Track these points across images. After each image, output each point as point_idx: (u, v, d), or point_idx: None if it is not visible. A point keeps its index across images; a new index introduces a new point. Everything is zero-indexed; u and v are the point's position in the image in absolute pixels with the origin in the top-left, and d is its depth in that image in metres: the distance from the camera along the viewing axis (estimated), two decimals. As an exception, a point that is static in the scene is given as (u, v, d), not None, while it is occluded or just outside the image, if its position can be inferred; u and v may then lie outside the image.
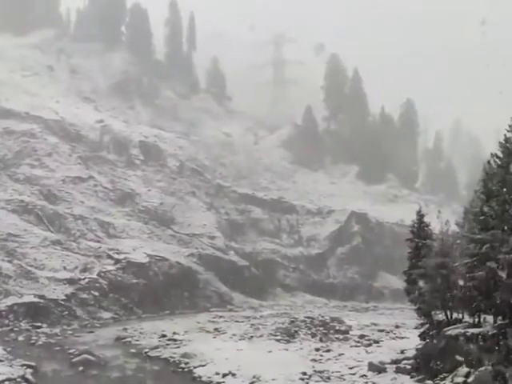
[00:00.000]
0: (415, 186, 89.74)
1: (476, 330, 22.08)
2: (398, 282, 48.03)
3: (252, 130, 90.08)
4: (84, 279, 46.73)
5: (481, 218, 22.33)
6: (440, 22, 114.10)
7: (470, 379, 20.24)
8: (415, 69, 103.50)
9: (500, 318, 22.21)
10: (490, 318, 23.24)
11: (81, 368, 28.53)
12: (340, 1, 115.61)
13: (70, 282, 45.78)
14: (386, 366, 26.71)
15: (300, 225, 71.11)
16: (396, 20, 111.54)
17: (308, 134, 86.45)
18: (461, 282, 23.57)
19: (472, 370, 20.58)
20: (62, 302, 43.58)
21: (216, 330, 39.32)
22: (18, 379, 24.91)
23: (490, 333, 21.24)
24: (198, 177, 69.64)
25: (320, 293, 63.85)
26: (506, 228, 21.38)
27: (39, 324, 39.95)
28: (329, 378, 25.91)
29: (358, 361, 28.56)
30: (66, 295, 44.32)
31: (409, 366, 25.46)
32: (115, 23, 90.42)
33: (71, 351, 31.58)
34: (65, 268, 47.14)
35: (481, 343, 21.25)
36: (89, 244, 51.52)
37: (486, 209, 22.20)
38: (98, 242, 52.65)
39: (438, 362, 23.19)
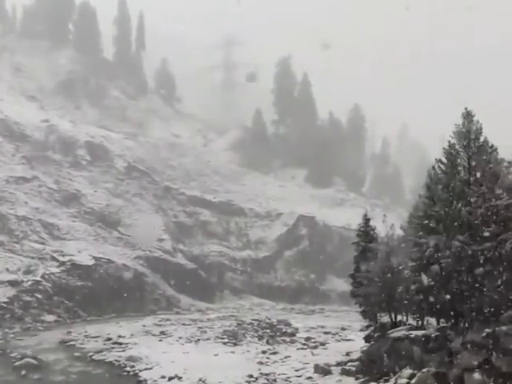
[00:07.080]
0: (362, 190, 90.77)
1: (419, 333, 22.48)
2: (345, 285, 48.56)
3: (201, 133, 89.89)
4: (27, 281, 45.73)
5: (425, 222, 22.77)
6: (388, 27, 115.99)
7: (413, 381, 20.55)
8: (363, 74, 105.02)
9: (442, 320, 22.69)
10: (432, 321, 23.73)
11: (23, 372, 27.98)
12: (289, 5, 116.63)
13: (13, 284, 44.75)
14: (332, 368, 27.04)
15: (248, 228, 71.22)
16: (345, 24, 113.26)
17: (257, 137, 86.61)
18: (405, 285, 23.95)
19: (415, 372, 20.92)
20: (4, 305, 42.60)
21: (162, 333, 39.08)
22: (-43, 384, 24.25)
23: (433, 335, 21.65)
24: (145, 178, 68.95)
25: (268, 295, 64.15)
26: (449, 232, 21.82)
27: (-20, 327, 38.99)
28: (275, 380, 26.04)
29: (304, 363, 28.84)
30: (9, 297, 43.34)
31: (354, 368, 25.82)
32: (62, 21, 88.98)
33: (13, 355, 31.00)
34: (7, 270, 46.05)
35: (424, 345, 21.62)
36: (32, 245, 50.44)
37: (430, 213, 22.65)
38: (42, 243, 51.59)
39: (383, 364, 23.52)
